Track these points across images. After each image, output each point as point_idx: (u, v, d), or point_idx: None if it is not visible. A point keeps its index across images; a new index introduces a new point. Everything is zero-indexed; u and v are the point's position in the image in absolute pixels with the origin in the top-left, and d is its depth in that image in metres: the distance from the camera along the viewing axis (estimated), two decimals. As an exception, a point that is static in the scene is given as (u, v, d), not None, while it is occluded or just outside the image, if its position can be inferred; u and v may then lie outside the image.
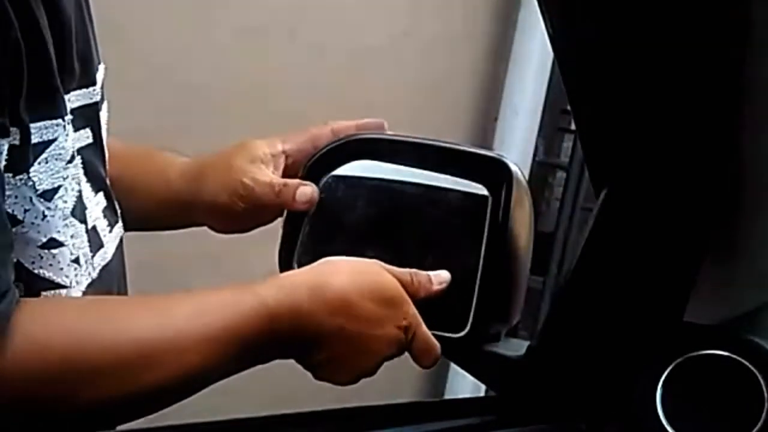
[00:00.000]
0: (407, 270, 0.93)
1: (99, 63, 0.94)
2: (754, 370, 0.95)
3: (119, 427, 0.87)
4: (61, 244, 0.81)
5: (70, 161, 0.81)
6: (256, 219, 1.05)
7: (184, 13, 1.88)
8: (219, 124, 1.89)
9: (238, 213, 1.03)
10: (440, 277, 0.95)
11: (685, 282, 1.02)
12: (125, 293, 0.99)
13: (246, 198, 1.02)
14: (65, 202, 0.81)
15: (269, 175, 1.03)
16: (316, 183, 1.02)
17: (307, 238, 1.02)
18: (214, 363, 0.82)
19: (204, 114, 1.92)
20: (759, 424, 0.94)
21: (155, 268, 1.86)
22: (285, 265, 1.02)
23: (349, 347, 0.88)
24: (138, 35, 1.81)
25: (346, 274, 0.89)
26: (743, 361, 0.96)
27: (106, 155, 0.94)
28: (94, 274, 0.87)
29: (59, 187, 0.80)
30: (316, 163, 1.03)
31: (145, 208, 1.07)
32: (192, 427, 0.87)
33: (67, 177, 0.81)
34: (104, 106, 0.95)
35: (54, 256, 0.80)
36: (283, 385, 1.63)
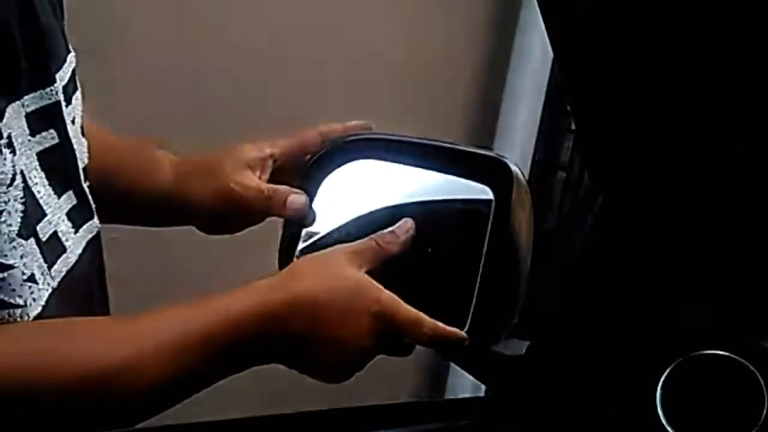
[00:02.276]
0: (367, 239, 0.93)
1: (68, 53, 0.92)
2: (754, 370, 0.95)
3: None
4: (9, 267, 0.80)
5: (10, 184, 0.80)
6: (242, 223, 1.05)
7: (184, 13, 1.88)
8: (218, 124, 1.89)
9: (225, 217, 1.04)
10: (403, 226, 0.95)
11: (685, 282, 1.02)
12: (100, 294, 0.98)
13: (233, 203, 1.02)
14: (9, 225, 0.80)
15: (257, 180, 1.02)
16: (316, 183, 1.02)
17: (309, 238, 1.02)
18: (183, 377, 0.83)
19: (203, 114, 1.92)
20: (759, 424, 0.94)
21: (155, 268, 1.86)
22: (285, 265, 1.02)
23: (324, 345, 0.87)
24: (138, 35, 1.81)
25: (309, 271, 0.89)
26: (743, 361, 0.96)
27: (80, 149, 0.92)
28: (54, 284, 0.86)
29: (1, 212, 0.79)
30: (316, 164, 1.03)
31: (131, 205, 1.07)
32: (192, 427, 0.87)
33: (9, 200, 0.80)
34: (76, 97, 0.93)
35: (3, 279, 0.80)
36: (283, 385, 1.63)
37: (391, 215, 0.99)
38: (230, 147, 1.05)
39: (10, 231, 0.80)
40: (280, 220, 1.04)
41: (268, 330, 0.85)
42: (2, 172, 0.79)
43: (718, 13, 0.81)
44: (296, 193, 1.01)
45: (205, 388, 0.85)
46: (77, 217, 0.91)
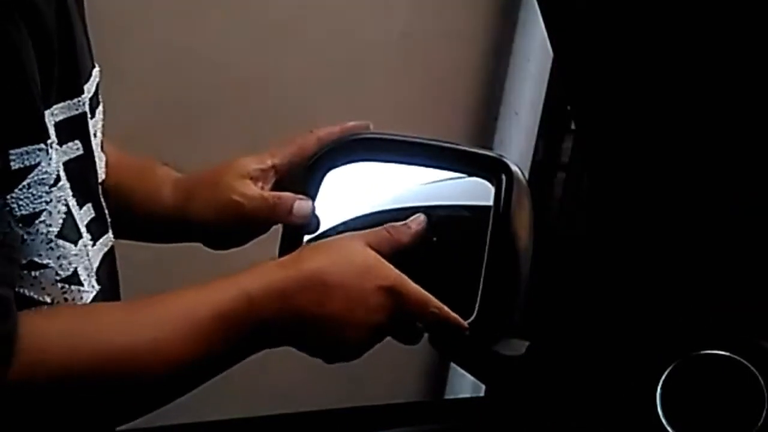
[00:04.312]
0: (379, 228, 0.94)
1: (92, 67, 0.93)
2: (754, 370, 0.96)
3: (119, 428, 0.88)
4: (43, 267, 0.81)
5: (54, 184, 0.80)
6: (247, 235, 1.05)
7: (183, 12, 1.88)
8: (218, 122, 1.89)
9: (230, 231, 1.04)
10: (416, 220, 0.96)
11: (685, 282, 1.02)
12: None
13: (237, 215, 1.02)
14: (49, 225, 0.80)
15: (259, 190, 1.03)
16: (316, 185, 1.02)
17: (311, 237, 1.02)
18: (204, 357, 0.84)
19: (203, 112, 1.92)
20: (759, 424, 0.94)
21: (156, 268, 1.86)
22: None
23: (335, 321, 0.88)
24: (138, 34, 1.81)
25: (318, 251, 0.90)
26: (743, 361, 0.96)
27: (99, 163, 0.93)
28: (97, 287, 0.87)
29: (41, 211, 0.79)
30: (315, 165, 1.03)
31: (137, 224, 1.07)
32: (192, 427, 0.87)
33: (51, 201, 0.80)
34: (99, 111, 0.94)
35: (35, 277, 0.81)
36: (284, 384, 1.63)
37: (394, 215, 0.99)
38: (230, 161, 1.05)
39: (49, 231, 0.81)
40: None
41: (281, 307, 0.86)
42: (47, 172, 0.79)
43: (718, 13, 0.81)
44: (301, 199, 1.01)
45: (220, 373, 0.86)
46: (95, 229, 0.91)
